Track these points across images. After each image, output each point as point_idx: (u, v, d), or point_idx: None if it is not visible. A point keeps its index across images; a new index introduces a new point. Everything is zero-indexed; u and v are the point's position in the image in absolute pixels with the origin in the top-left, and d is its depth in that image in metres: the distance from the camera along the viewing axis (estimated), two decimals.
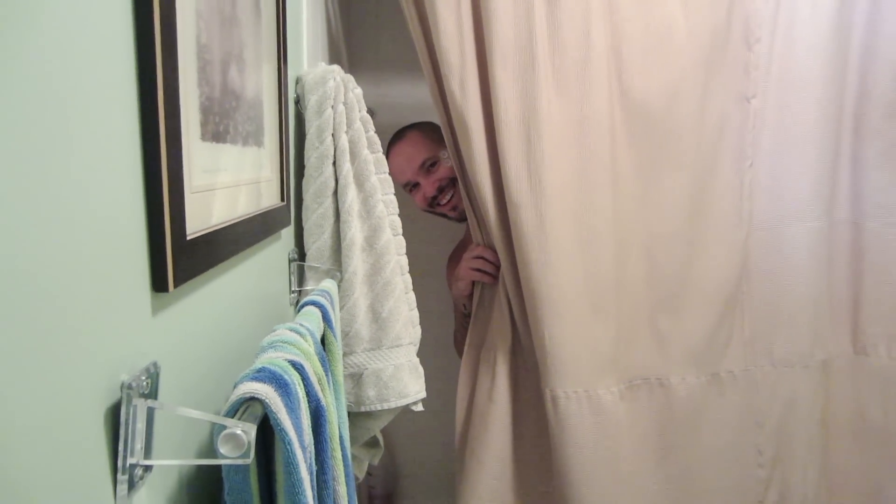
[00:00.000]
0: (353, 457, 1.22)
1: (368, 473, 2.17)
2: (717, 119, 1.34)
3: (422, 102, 1.58)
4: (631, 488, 1.33)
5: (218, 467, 0.57)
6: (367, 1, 2.03)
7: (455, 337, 1.74)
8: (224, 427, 0.48)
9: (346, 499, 0.68)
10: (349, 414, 1.09)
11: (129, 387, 0.46)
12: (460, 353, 1.46)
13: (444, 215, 1.62)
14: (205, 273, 0.62)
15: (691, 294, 1.36)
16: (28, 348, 0.36)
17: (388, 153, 1.54)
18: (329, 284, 0.94)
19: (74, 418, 0.42)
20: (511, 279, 1.32)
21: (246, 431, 0.47)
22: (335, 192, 1.07)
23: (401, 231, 1.16)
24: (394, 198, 1.15)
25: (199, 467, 0.62)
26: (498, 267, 1.36)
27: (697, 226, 1.36)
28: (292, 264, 1.06)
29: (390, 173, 1.17)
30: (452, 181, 1.52)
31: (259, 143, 0.83)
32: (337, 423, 0.73)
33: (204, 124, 0.61)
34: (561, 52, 1.24)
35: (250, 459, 0.48)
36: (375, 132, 1.14)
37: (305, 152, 1.07)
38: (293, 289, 1.07)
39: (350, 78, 1.11)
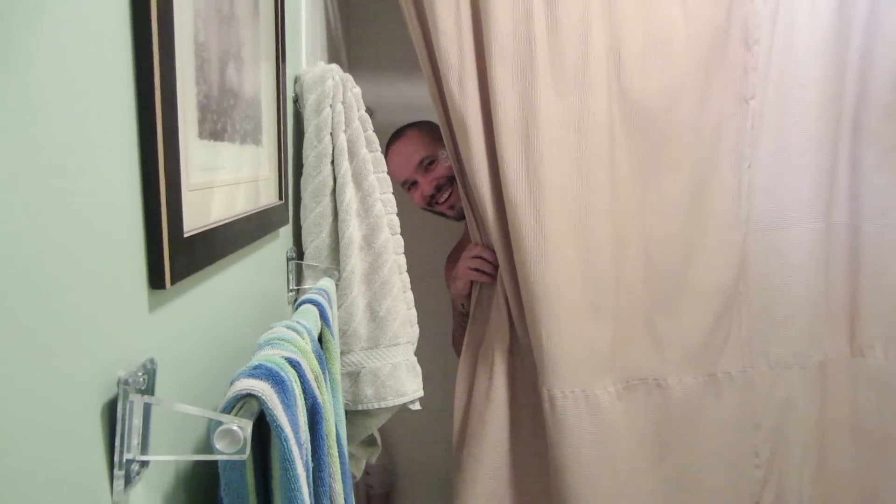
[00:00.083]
0: (351, 455, 1.22)
1: (366, 472, 2.17)
2: (716, 120, 1.34)
3: (421, 102, 1.58)
4: (628, 488, 1.33)
5: (214, 463, 0.57)
6: (366, 0, 2.03)
7: (453, 336, 1.75)
8: (220, 423, 0.48)
9: (342, 496, 0.68)
10: (347, 412, 1.09)
11: (126, 383, 0.46)
12: (458, 353, 1.47)
13: (442, 214, 1.62)
14: (202, 270, 0.62)
15: (689, 295, 1.36)
16: (25, 344, 0.37)
17: (386, 151, 1.55)
18: (327, 283, 0.94)
19: (71, 414, 0.42)
20: (509, 279, 1.32)
21: (242, 427, 0.48)
22: (333, 191, 1.08)
23: (399, 230, 1.16)
24: (392, 197, 1.15)
25: (196, 463, 0.62)
26: (496, 266, 1.36)
27: (695, 226, 1.36)
28: (290, 263, 1.07)
29: (389, 171, 1.17)
30: (450, 180, 1.53)
31: (257, 142, 0.84)
32: (334, 420, 0.73)
33: (201, 122, 0.61)
34: (560, 52, 1.25)
35: (246, 455, 0.48)
36: (374, 131, 1.15)
37: (304, 151, 1.07)
38: (291, 287, 1.07)
39: (349, 77, 1.12)
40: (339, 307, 1.07)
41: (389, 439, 2.22)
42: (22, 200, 0.36)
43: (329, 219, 1.08)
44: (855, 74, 1.38)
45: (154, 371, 0.50)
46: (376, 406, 1.08)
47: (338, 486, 0.68)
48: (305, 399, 0.61)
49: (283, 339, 0.64)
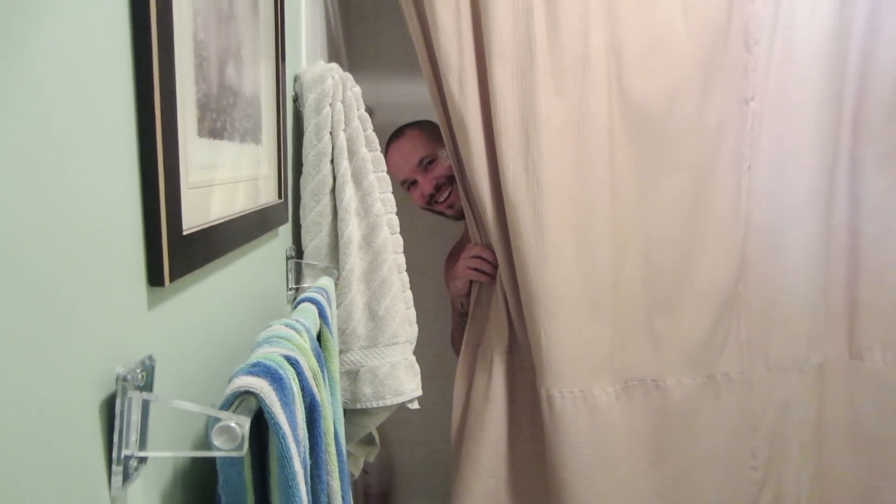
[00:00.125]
0: (349, 454, 1.22)
1: (364, 471, 2.17)
2: (716, 121, 1.35)
3: (421, 101, 1.58)
4: (625, 489, 1.33)
5: (212, 460, 0.57)
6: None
7: (452, 336, 1.75)
8: (218, 420, 0.48)
9: (339, 494, 0.69)
10: (345, 411, 1.09)
11: (125, 379, 0.47)
12: (457, 352, 1.47)
13: (441, 214, 1.62)
14: (201, 268, 0.62)
15: (688, 296, 1.36)
16: (24, 340, 0.37)
17: (386, 150, 1.55)
18: (326, 282, 0.94)
19: (70, 409, 0.42)
20: (508, 279, 1.33)
21: (240, 424, 0.48)
22: (333, 190, 1.08)
23: (398, 229, 1.16)
24: (391, 196, 1.15)
25: (194, 460, 0.63)
26: (495, 266, 1.37)
27: (695, 227, 1.36)
28: (290, 261, 1.07)
29: (388, 170, 1.17)
30: (450, 179, 1.53)
31: (257, 141, 0.84)
32: (332, 418, 0.73)
33: (201, 121, 0.62)
34: (560, 52, 1.25)
35: (244, 452, 0.48)
36: (373, 130, 1.15)
37: (303, 150, 1.07)
38: (290, 286, 1.07)
39: (348, 76, 1.12)
40: (338, 306, 1.07)
41: (388, 438, 2.22)
42: (21, 197, 0.36)
43: (328, 217, 1.08)
44: (855, 76, 1.38)
45: (153, 368, 0.51)
46: (375, 405, 1.08)
47: (335, 484, 0.68)
48: (304, 397, 0.62)
49: (281, 337, 0.64)
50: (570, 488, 1.28)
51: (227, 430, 0.48)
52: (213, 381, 0.66)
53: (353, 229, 1.07)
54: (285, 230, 1.05)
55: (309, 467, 0.62)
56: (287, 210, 1.02)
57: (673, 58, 1.31)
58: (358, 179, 1.08)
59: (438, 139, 1.43)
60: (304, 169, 1.08)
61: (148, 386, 0.50)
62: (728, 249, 1.37)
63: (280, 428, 0.54)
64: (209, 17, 0.64)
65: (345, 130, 1.07)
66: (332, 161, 1.07)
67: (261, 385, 0.53)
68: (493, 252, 1.35)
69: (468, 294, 1.47)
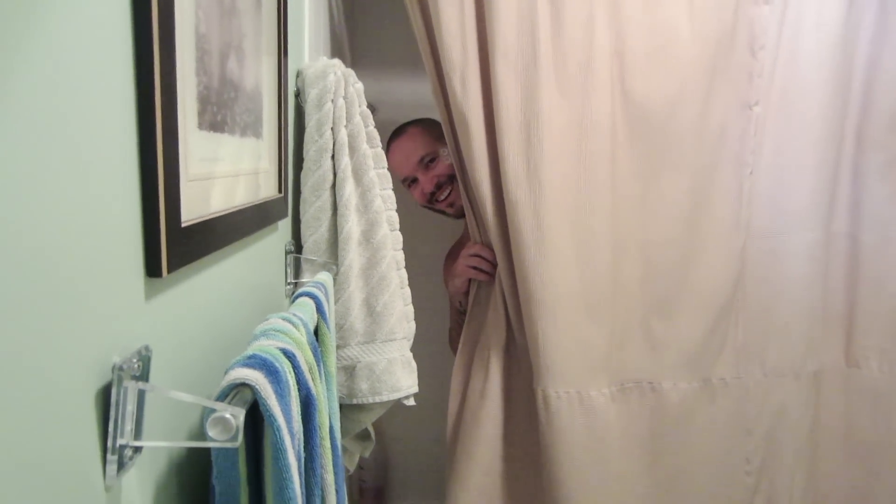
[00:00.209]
0: (344, 449, 1.23)
1: (360, 467, 2.18)
2: (719, 125, 1.34)
3: (423, 99, 1.59)
4: (619, 489, 1.33)
5: (207, 451, 0.57)
6: None
7: (450, 334, 1.75)
8: (213, 411, 0.48)
9: (333, 487, 0.69)
10: (341, 406, 1.10)
11: (121, 369, 0.47)
12: (455, 350, 1.47)
13: (441, 212, 1.62)
14: (199, 260, 0.62)
15: (686, 299, 1.37)
16: (21, 328, 0.37)
17: (387, 148, 1.55)
18: (324, 277, 0.94)
19: (65, 398, 0.42)
20: (507, 278, 1.33)
21: (235, 416, 0.48)
22: (333, 186, 1.08)
23: (398, 226, 1.16)
24: (392, 193, 1.16)
25: (189, 451, 0.63)
26: (495, 265, 1.37)
27: (695, 231, 1.36)
28: (289, 256, 1.07)
29: (389, 168, 1.17)
30: (451, 178, 1.53)
31: (258, 135, 0.84)
32: (327, 413, 0.73)
33: (201, 114, 0.62)
34: (564, 52, 1.25)
35: (238, 443, 0.48)
36: (375, 127, 1.15)
37: (304, 145, 1.08)
38: (289, 280, 1.08)
39: (351, 72, 1.12)
40: (336, 301, 1.07)
41: (384, 434, 2.23)
42: (20, 187, 0.37)
43: (328, 213, 1.08)
44: (860, 84, 1.38)
45: (149, 358, 0.51)
46: (371, 400, 1.08)
47: (329, 478, 0.68)
48: (299, 390, 0.62)
49: (278, 331, 0.64)
50: (564, 487, 1.28)
51: (222, 421, 0.48)
52: (209, 373, 0.66)
53: (352, 225, 1.07)
54: (285, 225, 1.05)
55: (303, 460, 0.63)
56: (287, 205, 1.02)
57: (677, 61, 1.30)
58: (358, 176, 1.09)
59: (440, 137, 1.43)
60: (305, 164, 1.08)
61: (144, 376, 0.50)
62: (727, 254, 1.38)
63: (275, 420, 0.54)
64: (211, 11, 0.64)
65: (346, 127, 1.07)
66: (332, 157, 1.07)
67: (256, 377, 0.54)
68: (492, 251, 1.35)
69: (467, 292, 1.47)
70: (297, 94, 1.10)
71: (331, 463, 0.69)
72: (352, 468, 1.32)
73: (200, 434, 0.62)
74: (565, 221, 1.27)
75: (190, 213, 0.58)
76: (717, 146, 1.35)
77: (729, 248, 1.38)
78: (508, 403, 1.36)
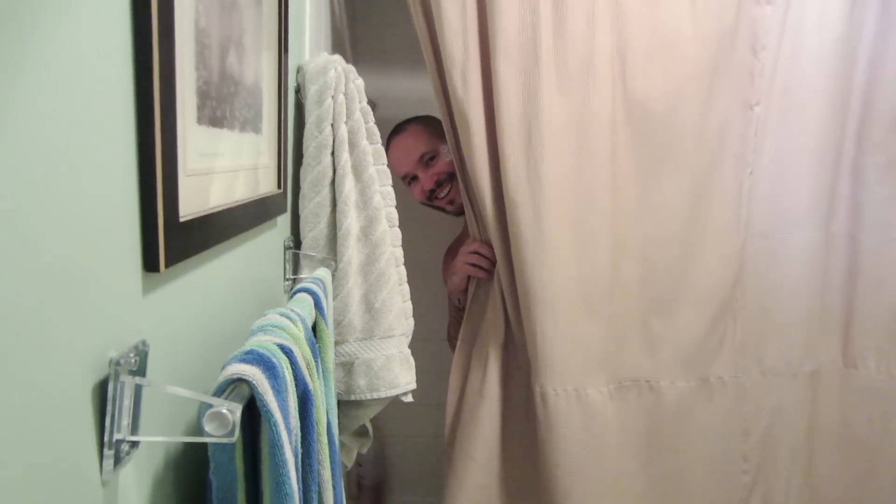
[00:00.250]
0: (342, 444, 1.23)
1: (358, 463, 2.18)
2: (720, 125, 1.34)
3: (425, 96, 1.58)
4: (616, 487, 1.34)
5: (204, 446, 0.57)
6: None
7: (448, 331, 1.75)
8: (210, 406, 0.48)
9: (330, 483, 0.69)
10: (339, 402, 1.10)
11: (118, 363, 0.47)
12: (453, 347, 1.47)
13: (441, 209, 1.62)
14: (198, 255, 0.62)
15: (685, 298, 1.37)
16: (18, 323, 0.37)
17: (388, 145, 1.55)
18: (323, 273, 0.94)
19: (62, 393, 0.42)
20: (506, 275, 1.33)
21: (231, 411, 0.48)
22: (333, 182, 1.08)
23: (397, 223, 1.16)
24: (391, 189, 1.16)
25: (187, 446, 0.63)
26: (494, 262, 1.37)
27: (694, 230, 1.36)
28: (287, 252, 1.07)
29: (389, 165, 1.17)
30: (451, 176, 1.53)
31: (257, 130, 0.84)
32: (325, 408, 0.73)
33: (201, 108, 0.62)
34: (565, 50, 1.25)
35: (235, 438, 0.48)
36: (375, 123, 1.15)
37: (304, 141, 1.07)
38: (287, 276, 1.08)
39: (351, 68, 1.12)
40: (335, 297, 1.07)
41: (383, 431, 2.23)
42: (17, 181, 0.37)
43: (327, 209, 1.08)
44: (862, 85, 1.37)
45: (146, 353, 0.51)
46: (369, 397, 1.08)
47: (326, 473, 0.68)
48: (296, 386, 0.62)
49: (276, 326, 0.64)
50: (561, 485, 1.28)
51: (219, 416, 0.48)
52: (206, 368, 0.66)
53: (351, 221, 1.07)
54: (284, 220, 1.05)
55: (300, 456, 0.63)
56: (286, 200, 1.02)
57: (678, 60, 1.30)
58: (358, 172, 1.09)
59: (440, 135, 1.43)
60: (305, 160, 1.08)
61: (141, 371, 0.50)
62: (726, 253, 1.37)
63: (272, 415, 0.54)
64: (211, 5, 0.64)
65: (346, 123, 1.07)
66: (332, 153, 1.07)
67: (253, 373, 0.54)
68: (491, 248, 1.35)
69: (466, 290, 1.47)
70: (298, 90, 1.09)
71: (328, 459, 0.69)
72: (350, 464, 1.32)
73: (198, 429, 0.62)
74: (565, 219, 1.27)
75: (188, 207, 0.58)
76: (717, 145, 1.34)
77: (728, 247, 1.37)
78: (506, 401, 1.36)
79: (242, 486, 0.58)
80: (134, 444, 0.50)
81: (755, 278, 1.39)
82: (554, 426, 1.28)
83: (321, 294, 0.84)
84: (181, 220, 0.56)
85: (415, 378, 1.16)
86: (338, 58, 1.10)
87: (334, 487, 0.73)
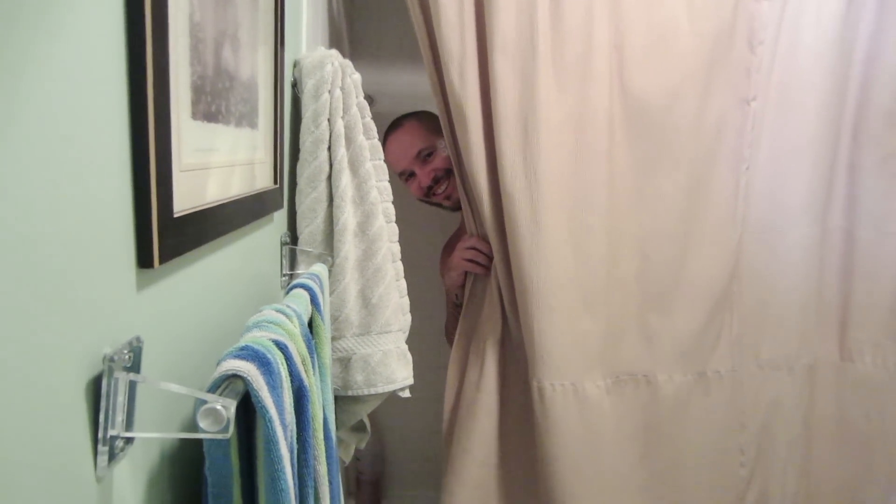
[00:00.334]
0: (340, 440, 1.23)
1: (356, 458, 2.18)
2: (717, 120, 1.34)
3: (421, 91, 1.58)
4: (614, 481, 1.34)
5: (200, 442, 0.57)
6: None
7: (446, 326, 1.75)
8: (205, 402, 0.48)
9: (326, 478, 0.69)
10: (337, 398, 1.10)
11: (112, 360, 0.47)
12: (451, 343, 1.47)
13: (438, 205, 1.62)
14: (193, 251, 0.62)
15: (682, 293, 1.37)
16: (11, 319, 0.37)
17: (384, 141, 1.55)
18: (319, 268, 0.94)
19: (56, 389, 0.42)
20: (503, 271, 1.33)
21: (226, 407, 0.48)
22: (329, 177, 1.08)
23: (394, 218, 1.16)
24: (388, 185, 1.15)
25: (182, 442, 0.63)
26: (491, 258, 1.37)
27: (691, 225, 1.36)
28: (284, 247, 1.07)
29: (386, 161, 1.17)
30: (448, 172, 1.53)
31: (253, 125, 0.84)
32: (321, 404, 0.73)
33: (195, 103, 0.61)
34: (562, 46, 1.25)
35: (229, 434, 0.48)
36: (373, 118, 1.15)
37: (301, 136, 1.07)
38: (284, 272, 1.07)
39: (348, 63, 1.11)
40: (331, 293, 1.07)
41: (380, 426, 2.23)
42: (10, 178, 0.36)
43: (324, 204, 1.08)
44: (858, 80, 1.38)
45: (140, 349, 0.51)
46: (366, 392, 1.09)
47: (322, 469, 0.69)
48: (292, 381, 0.62)
49: (271, 322, 0.64)
50: (559, 479, 1.29)
51: (213, 413, 0.48)
52: (202, 364, 0.66)
53: (348, 217, 1.07)
54: (280, 216, 1.05)
55: (296, 451, 0.63)
56: (283, 196, 1.02)
57: (676, 55, 1.30)
58: (355, 167, 1.08)
59: (437, 130, 1.43)
60: (301, 155, 1.07)
61: (135, 367, 0.50)
62: (723, 248, 1.38)
63: (267, 411, 0.54)
64: None
65: (343, 118, 1.07)
66: (329, 148, 1.07)
67: (248, 368, 0.54)
68: (488, 244, 1.35)
69: (463, 285, 1.47)
70: (294, 85, 1.09)
71: (324, 454, 0.69)
72: (347, 459, 1.32)
73: (193, 425, 0.62)
74: (562, 214, 1.27)
75: (183, 203, 0.58)
76: (714, 141, 1.35)
77: (725, 242, 1.38)
78: (504, 396, 1.36)
79: (238, 482, 0.58)
80: (129, 441, 0.50)
81: (752, 273, 1.40)
82: (551, 420, 1.28)
83: (317, 290, 0.84)
84: (175, 215, 0.56)
85: (412, 373, 1.16)
86: (334, 52, 1.09)
87: (331, 483, 0.73)
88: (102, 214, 0.47)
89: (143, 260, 0.52)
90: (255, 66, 0.84)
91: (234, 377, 0.53)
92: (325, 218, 1.09)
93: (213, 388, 0.52)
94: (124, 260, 0.50)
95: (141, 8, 0.49)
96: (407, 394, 1.16)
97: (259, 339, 0.59)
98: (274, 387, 0.56)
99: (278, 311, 0.68)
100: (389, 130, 1.60)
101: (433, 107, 1.37)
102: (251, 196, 0.82)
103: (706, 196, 1.36)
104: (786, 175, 1.38)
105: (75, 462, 0.45)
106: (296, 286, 0.82)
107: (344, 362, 1.09)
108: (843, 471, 1.44)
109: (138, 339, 0.51)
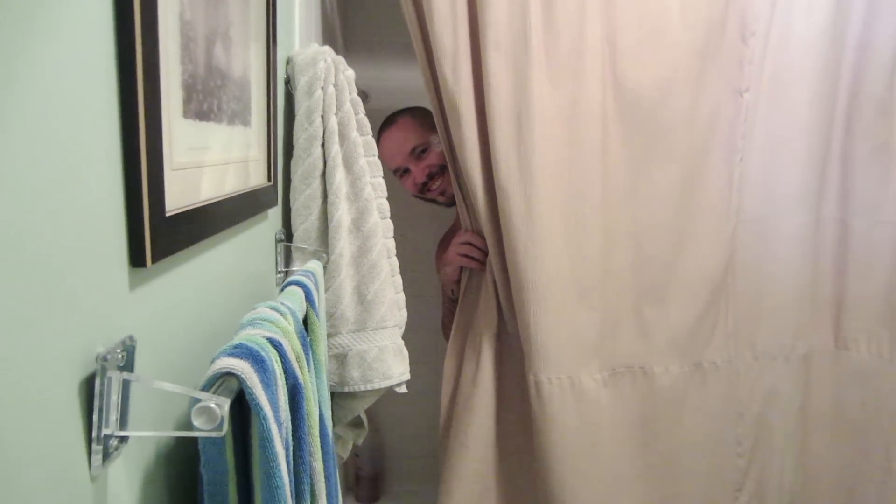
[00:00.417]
0: (337, 436, 1.23)
1: (355, 454, 2.19)
2: (710, 112, 1.35)
3: (416, 86, 1.58)
4: (612, 473, 1.35)
5: (195, 441, 0.58)
6: None
7: (442, 322, 1.75)
8: (199, 400, 0.49)
9: (322, 475, 0.69)
10: (333, 394, 1.10)
11: (105, 359, 0.47)
12: (447, 338, 1.48)
13: (433, 200, 1.62)
14: (186, 250, 0.62)
15: (677, 284, 1.37)
16: (2, 318, 0.37)
17: (378, 138, 1.55)
18: (314, 265, 0.94)
19: (49, 388, 0.42)
20: (498, 265, 1.33)
21: (220, 405, 0.48)
22: (323, 174, 1.08)
23: (388, 214, 1.16)
24: (382, 181, 1.15)
25: (177, 441, 0.63)
26: (486, 253, 1.37)
27: (686, 217, 1.36)
28: (279, 244, 1.07)
29: (380, 158, 1.17)
30: (442, 168, 1.53)
31: (246, 123, 0.84)
32: (316, 401, 0.74)
33: (187, 102, 0.61)
34: (555, 39, 1.24)
35: (223, 432, 0.48)
36: (368, 114, 1.14)
37: (294, 133, 1.07)
38: (279, 269, 1.07)
39: (341, 60, 1.11)
40: (327, 290, 1.07)
41: (378, 422, 2.24)
42: (1, 177, 0.37)
43: (318, 201, 1.08)
44: (850, 70, 1.38)
45: (133, 348, 0.51)
46: (362, 388, 1.09)
47: (318, 465, 0.69)
48: (286, 379, 0.62)
49: (265, 320, 0.64)
50: (556, 473, 1.29)
51: (207, 411, 0.48)
52: (196, 363, 0.66)
53: (342, 213, 1.07)
54: (275, 213, 1.05)
55: (291, 449, 0.63)
56: (277, 193, 1.02)
57: (668, 48, 1.30)
58: (349, 163, 1.08)
59: (431, 126, 1.43)
60: (295, 152, 1.07)
61: (128, 366, 0.50)
62: (718, 239, 1.38)
63: (261, 409, 0.54)
64: None
65: (336, 114, 1.07)
66: (322, 144, 1.07)
67: (242, 366, 0.54)
68: (483, 238, 1.35)
69: (458, 280, 1.48)
70: (288, 82, 1.09)
71: (320, 451, 0.70)
72: (345, 455, 1.32)
73: (188, 424, 0.62)
74: (556, 208, 1.27)
75: (175, 202, 0.58)
76: (707, 133, 1.35)
77: (719, 233, 1.38)
78: (500, 390, 1.36)
79: (233, 480, 0.58)
80: (123, 440, 0.50)
81: (747, 264, 1.40)
82: (548, 414, 1.28)
83: (312, 287, 0.84)
84: (168, 214, 0.56)
85: (408, 369, 1.16)
86: (327, 49, 1.09)
87: (328, 479, 0.74)
88: (94, 214, 0.47)
89: (136, 259, 0.52)
90: (247, 63, 0.84)
91: (229, 375, 0.53)
92: (320, 215, 1.09)
93: (207, 387, 0.52)
94: (116, 259, 0.50)
95: (130, 7, 0.49)
96: (404, 389, 1.17)
97: (253, 336, 0.59)
98: (268, 384, 0.56)
99: (273, 308, 0.68)
100: (383, 127, 1.59)
101: (428, 102, 1.36)
102: (245, 194, 0.82)
103: (700, 188, 1.36)
104: (779, 166, 1.39)
105: (69, 461, 0.45)
106: (290, 283, 0.82)
107: (340, 359, 1.09)
108: (840, 459, 1.45)
109: (131, 339, 0.51)
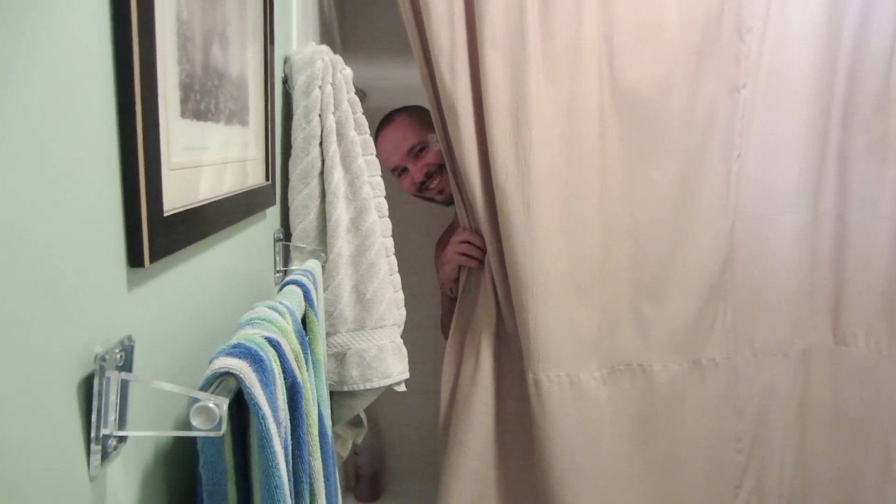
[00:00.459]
0: (337, 435, 1.23)
1: (354, 453, 2.19)
2: (707, 108, 1.35)
3: (415, 85, 1.57)
4: (611, 471, 1.35)
5: (194, 441, 0.58)
6: None
7: (441, 320, 1.76)
8: (197, 400, 0.49)
9: (321, 474, 0.69)
10: (332, 393, 1.10)
11: (103, 359, 0.47)
12: (446, 336, 1.48)
13: (431, 199, 1.62)
14: (184, 249, 0.62)
15: (675, 281, 1.37)
16: (1, 319, 0.37)
17: (376, 137, 1.54)
18: (312, 264, 0.94)
19: (48, 389, 0.42)
20: (497, 263, 1.33)
21: (218, 405, 0.48)
22: (321, 173, 1.08)
23: (387, 213, 1.16)
24: (380, 180, 1.15)
25: (176, 441, 0.63)
26: (484, 251, 1.37)
27: (684, 214, 1.36)
28: (277, 244, 1.07)
29: (378, 157, 1.17)
30: (440, 167, 1.53)
31: (244, 122, 0.84)
32: (315, 400, 0.74)
33: (184, 102, 0.61)
34: (552, 37, 1.24)
35: (222, 432, 0.49)
36: (366, 113, 1.15)
37: (292, 132, 1.07)
38: (278, 268, 1.07)
39: (339, 59, 1.11)
40: (325, 289, 1.07)
41: (379, 420, 2.24)
42: None
43: (317, 201, 1.08)
44: (846, 65, 1.38)
45: (132, 348, 0.51)
46: (361, 387, 1.09)
47: (317, 465, 0.69)
48: (285, 378, 0.62)
49: (263, 319, 0.64)
50: (556, 470, 1.29)
51: (206, 411, 0.48)
52: (194, 362, 0.66)
53: (341, 212, 1.07)
54: (273, 212, 1.05)
55: (290, 448, 0.63)
56: (275, 192, 1.02)
57: (665, 45, 1.30)
58: (347, 162, 1.08)
59: (428, 125, 1.43)
60: (293, 151, 1.07)
61: (127, 366, 0.50)
62: (716, 236, 1.38)
63: (260, 409, 0.54)
64: None
65: (334, 113, 1.07)
66: (320, 144, 1.07)
67: (241, 366, 0.54)
68: (482, 237, 1.35)
69: (457, 279, 1.48)
70: (285, 81, 1.09)
71: (319, 450, 0.70)
72: (345, 454, 1.33)
73: (187, 424, 0.62)
74: (554, 206, 1.27)
75: (173, 202, 0.58)
76: (704, 129, 1.35)
77: (717, 230, 1.38)
78: (500, 389, 1.37)
79: (232, 479, 0.58)
80: (122, 440, 0.51)
81: (745, 260, 1.40)
82: (548, 412, 1.28)
83: (310, 286, 0.84)
84: (166, 214, 0.56)
85: (407, 367, 1.16)
86: (325, 48, 1.09)
87: (327, 478, 0.74)
88: (92, 214, 0.47)
89: (134, 259, 0.52)
90: (244, 63, 0.83)
91: (227, 375, 0.53)
92: (318, 214, 1.09)
93: (206, 386, 0.52)
94: (115, 259, 0.50)
95: (127, 7, 0.49)
96: (403, 388, 1.17)
97: (251, 336, 0.59)
98: (267, 384, 0.56)
99: (271, 307, 0.68)
100: (381, 126, 1.59)
101: (425, 101, 1.36)
102: (243, 193, 0.82)
103: (698, 184, 1.36)
104: (777, 162, 1.39)
105: (68, 461, 0.45)
106: (289, 283, 0.82)
107: (339, 358, 1.09)
108: (839, 455, 1.45)
109: (130, 338, 0.51)
